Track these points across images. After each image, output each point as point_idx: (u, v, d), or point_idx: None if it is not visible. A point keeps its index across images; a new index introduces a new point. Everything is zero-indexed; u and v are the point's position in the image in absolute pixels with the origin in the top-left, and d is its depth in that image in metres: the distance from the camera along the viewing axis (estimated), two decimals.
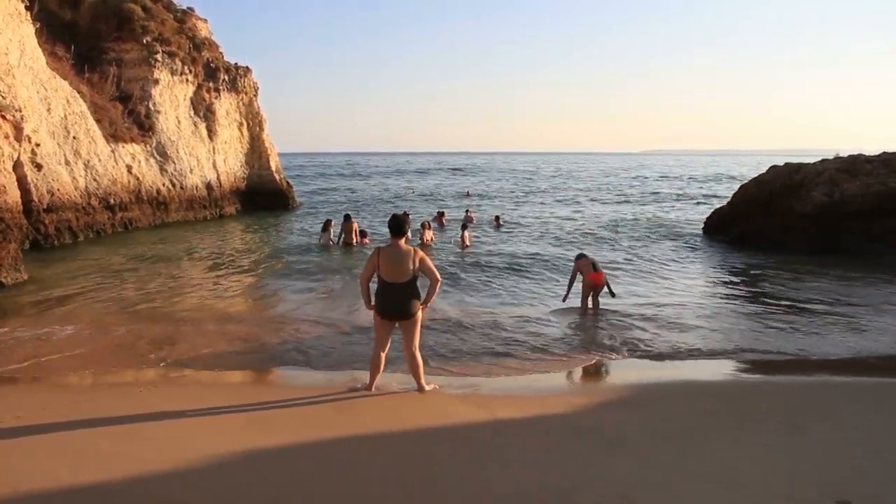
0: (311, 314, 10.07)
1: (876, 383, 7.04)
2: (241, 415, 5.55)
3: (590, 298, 10.35)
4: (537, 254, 16.90)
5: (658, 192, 44.13)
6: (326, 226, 18.29)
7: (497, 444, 4.99)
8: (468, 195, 38.93)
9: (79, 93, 19.70)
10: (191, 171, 25.18)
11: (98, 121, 20.28)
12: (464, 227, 18.55)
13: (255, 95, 30.57)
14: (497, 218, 24.34)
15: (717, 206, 23.55)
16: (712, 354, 8.18)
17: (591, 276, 10.24)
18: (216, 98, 27.72)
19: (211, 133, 27.13)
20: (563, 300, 10.57)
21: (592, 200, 37.39)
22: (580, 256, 10.84)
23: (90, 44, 23.06)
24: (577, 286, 10.50)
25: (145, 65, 23.66)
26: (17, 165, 15.86)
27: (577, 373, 7.67)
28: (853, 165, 17.39)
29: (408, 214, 9.16)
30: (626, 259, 16.25)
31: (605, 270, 10.79)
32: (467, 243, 17.56)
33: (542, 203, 35.59)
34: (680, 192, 45.06)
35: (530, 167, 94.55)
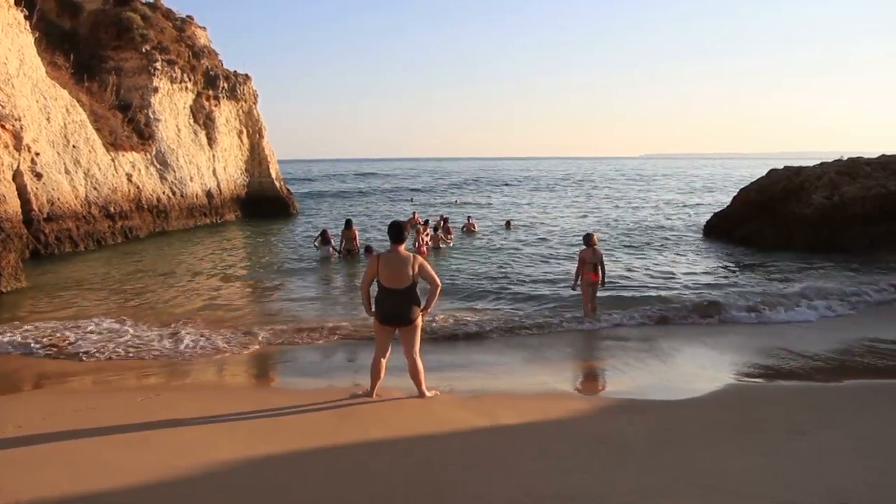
0: (312, 321, 10.06)
1: (876, 386, 7.02)
2: (243, 422, 5.55)
3: (588, 301, 10.35)
4: (537, 254, 17.09)
5: (658, 195, 44.16)
6: (324, 236, 16.98)
7: (498, 449, 4.99)
8: (457, 203, 38.92)
9: (78, 102, 19.75)
10: (191, 179, 25.22)
11: (98, 129, 20.32)
12: (435, 229, 18.98)
13: (254, 103, 30.65)
14: (508, 223, 25.17)
15: (718, 208, 23.61)
16: (711, 357, 8.16)
17: (590, 276, 10.21)
18: (216, 106, 27.79)
19: (211, 141, 27.19)
20: (573, 288, 10.66)
21: (595, 206, 37.42)
22: (587, 240, 10.40)
23: (90, 52, 23.15)
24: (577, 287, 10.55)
25: (145, 73, 23.73)
26: (17, 175, 15.90)
27: (578, 379, 7.67)
28: (853, 168, 17.48)
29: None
30: (628, 261, 16.26)
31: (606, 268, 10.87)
32: (435, 244, 17.97)
33: (543, 204, 35.68)
34: (681, 194, 45.11)
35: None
